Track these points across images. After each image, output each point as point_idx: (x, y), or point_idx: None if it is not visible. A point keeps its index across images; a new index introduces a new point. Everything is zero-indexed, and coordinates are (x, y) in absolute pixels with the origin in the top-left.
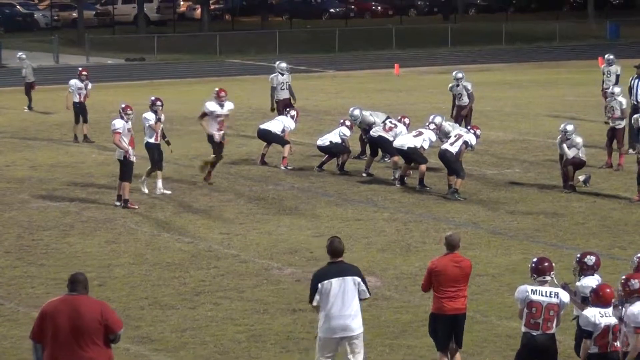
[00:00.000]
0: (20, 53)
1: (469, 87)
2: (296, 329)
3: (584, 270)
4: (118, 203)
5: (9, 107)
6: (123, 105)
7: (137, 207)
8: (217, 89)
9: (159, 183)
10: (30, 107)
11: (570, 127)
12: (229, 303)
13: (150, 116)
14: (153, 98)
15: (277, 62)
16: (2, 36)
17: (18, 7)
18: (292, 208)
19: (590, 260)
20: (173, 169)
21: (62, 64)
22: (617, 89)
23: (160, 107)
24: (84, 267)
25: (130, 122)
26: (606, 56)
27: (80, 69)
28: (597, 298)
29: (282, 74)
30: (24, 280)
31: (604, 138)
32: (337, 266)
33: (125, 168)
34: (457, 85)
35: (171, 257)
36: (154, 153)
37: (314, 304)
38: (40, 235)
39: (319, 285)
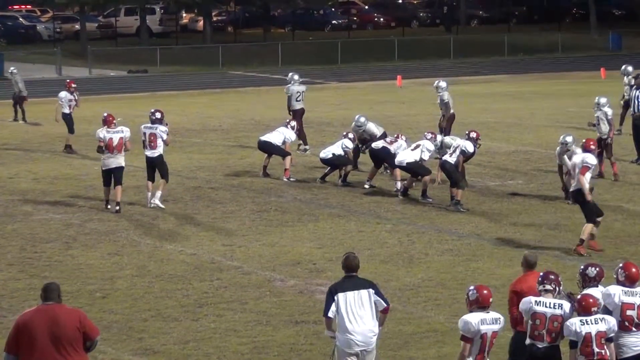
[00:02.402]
0: (12, 68)
1: (445, 97)
2: (299, 341)
3: (587, 282)
4: (117, 208)
5: (11, 119)
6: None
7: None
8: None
9: (158, 194)
10: (16, 119)
11: (569, 139)
12: (232, 315)
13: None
14: (153, 110)
15: (290, 74)
16: (4, 48)
17: (21, 19)
18: (294, 220)
19: (592, 272)
20: (176, 181)
21: (64, 76)
22: (602, 100)
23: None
24: (86, 279)
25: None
26: (623, 67)
27: (68, 80)
28: (580, 307)
29: (296, 85)
30: (26, 293)
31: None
32: (352, 280)
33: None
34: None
35: (174, 269)
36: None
37: (330, 315)
38: (43, 248)
39: (335, 297)
